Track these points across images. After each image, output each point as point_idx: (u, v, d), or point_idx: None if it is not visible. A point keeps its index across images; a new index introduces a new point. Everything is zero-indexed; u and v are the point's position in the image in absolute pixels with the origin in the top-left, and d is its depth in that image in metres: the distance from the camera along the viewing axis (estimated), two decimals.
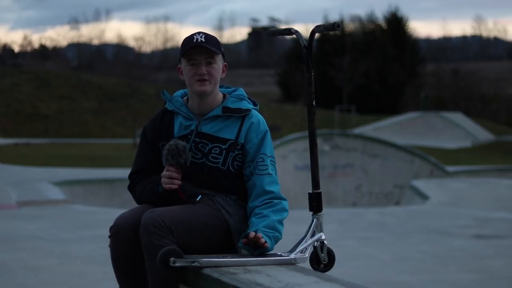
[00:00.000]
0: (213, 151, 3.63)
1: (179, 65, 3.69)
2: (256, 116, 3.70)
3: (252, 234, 3.44)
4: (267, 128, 3.70)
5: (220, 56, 3.66)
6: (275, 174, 3.66)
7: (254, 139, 3.64)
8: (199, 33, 3.65)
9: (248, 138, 3.64)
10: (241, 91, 3.77)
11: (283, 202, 3.61)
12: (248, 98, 3.77)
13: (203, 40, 3.60)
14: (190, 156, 3.57)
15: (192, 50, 3.60)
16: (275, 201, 3.59)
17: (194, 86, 3.63)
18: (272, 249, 3.51)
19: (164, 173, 3.57)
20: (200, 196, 3.60)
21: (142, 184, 3.72)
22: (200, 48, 3.59)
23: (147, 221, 3.38)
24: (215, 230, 3.54)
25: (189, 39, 3.63)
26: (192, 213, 3.49)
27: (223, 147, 3.63)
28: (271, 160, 3.65)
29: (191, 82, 3.63)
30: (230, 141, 3.63)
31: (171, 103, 3.73)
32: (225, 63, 3.72)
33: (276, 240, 3.54)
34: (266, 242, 3.45)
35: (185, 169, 3.58)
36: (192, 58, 3.61)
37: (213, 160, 3.63)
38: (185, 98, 3.75)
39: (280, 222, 3.57)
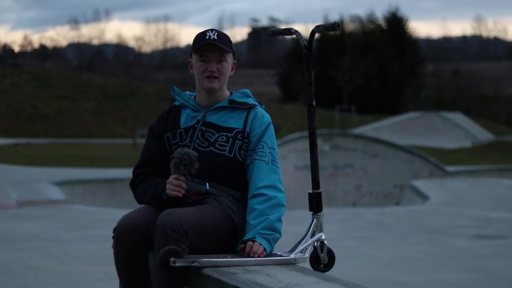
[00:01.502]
0: (219, 139, 3.66)
1: (190, 59, 3.74)
2: (261, 110, 3.76)
3: (248, 248, 3.44)
4: (271, 121, 3.74)
5: (230, 54, 3.71)
6: (275, 164, 3.64)
7: (257, 129, 3.68)
8: (212, 30, 3.70)
9: (252, 127, 3.68)
10: (248, 91, 3.83)
11: (279, 196, 3.58)
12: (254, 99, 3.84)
13: (216, 37, 3.66)
14: (198, 166, 3.56)
15: (204, 47, 3.65)
16: (270, 194, 3.56)
17: (203, 82, 3.69)
18: (272, 251, 3.51)
19: (173, 181, 3.55)
20: (207, 184, 3.60)
21: (144, 186, 3.72)
22: (212, 45, 3.64)
23: (166, 223, 3.37)
24: (223, 231, 3.55)
25: (201, 36, 3.68)
26: (205, 216, 3.50)
27: (230, 135, 3.66)
28: (270, 151, 3.65)
29: (200, 78, 3.69)
30: (237, 130, 3.66)
31: (180, 97, 3.78)
32: (235, 62, 3.77)
33: (275, 241, 3.54)
34: (264, 250, 3.45)
35: (192, 176, 3.57)
36: (204, 54, 3.67)
37: (220, 147, 3.65)
38: (193, 96, 3.82)
39: (278, 221, 3.55)
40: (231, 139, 3.65)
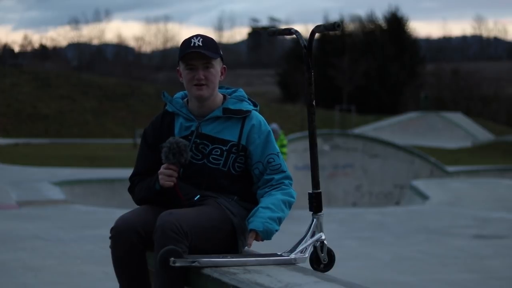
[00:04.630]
0: (213, 152, 3.63)
1: (178, 67, 3.69)
2: (257, 117, 3.70)
3: (249, 243, 3.50)
4: (269, 128, 3.71)
5: (218, 59, 3.65)
6: (287, 168, 3.70)
7: (257, 140, 3.64)
8: (197, 36, 3.64)
9: (251, 139, 3.64)
10: (241, 92, 3.77)
11: (292, 190, 3.66)
12: (249, 99, 3.77)
13: (201, 44, 3.59)
14: (190, 155, 3.56)
15: (189, 55, 3.60)
16: (283, 186, 3.63)
17: (192, 90, 3.64)
18: (273, 234, 3.55)
19: (164, 170, 3.55)
20: (198, 196, 3.59)
21: (140, 184, 3.73)
22: (197, 53, 3.59)
23: (165, 224, 3.36)
24: (222, 233, 3.54)
25: (187, 43, 3.63)
26: (205, 217, 3.50)
27: (224, 148, 3.63)
28: (280, 157, 3.69)
29: (189, 86, 3.64)
30: (232, 143, 3.64)
31: (171, 105, 3.73)
32: (224, 66, 3.71)
33: (279, 221, 3.56)
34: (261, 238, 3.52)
35: (184, 168, 3.57)
36: (190, 62, 3.61)
37: (214, 161, 3.63)
38: (186, 99, 3.76)
39: (286, 203, 3.59)
40: (225, 153, 3.62)
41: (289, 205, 3.62)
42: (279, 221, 3.56)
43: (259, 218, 3.51)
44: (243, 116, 3.66)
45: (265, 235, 3.52)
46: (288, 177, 3.67)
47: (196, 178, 3.62)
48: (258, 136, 3.65)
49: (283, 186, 3.62)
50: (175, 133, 3.68)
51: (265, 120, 3.72)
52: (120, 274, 3.59)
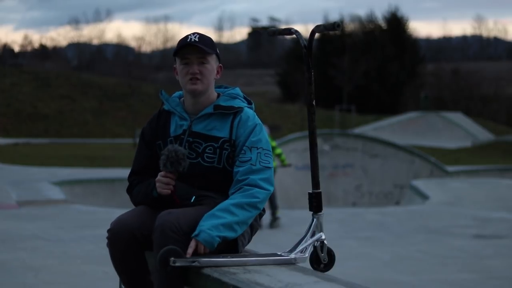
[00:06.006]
0: (207, 150, 3.64)
1: (174, 65, 3.71)
2: (246, 113, 3.67)
3: (189, 252, 3.36)
4: (257, 123, 3.65)
5: (213, 56, 3.66)
6: (262, 165, 3.57)
7: (243, 134, 3.64)
8: (194, 33, 3.67)
9: (238, 134, 3.64)
10: (237, 90, 3.78)
11: (258, 189, 3.52)
12: (244, 98, 3.77)
13: (197, 40, 3.62)
14: (188, 163, 3.55)
15: (185, 49, 3.62)
16: (246, 187, 3.52)
17: (186, 85, 3.65)
18: (217, 242, 3.41)
19: (161, 178, 3.55)
20: (194, 197, 3.59)
21: (138, 187, 3.73)
22: (192, 47, 3.61)
23: (165, 224, 3.37)
24: None
25: (183, 39, 3.67)
26: None
27: (216, 145, 3.63)
28: (258, 152, 3.59)
29: (183, 81, 3.66)
30: (223, 139, 3.64)
31: (167, 103, 3.76)
32: (220, 65, 3.72)
33: (227, 226, 3.43)
34: (204, 248, 3.38)
35: (182, 175, 3.57)
36: (185, 57, 3.63)
37: (208, 159, 3.63)
38: (182, 99, 3.78)
39: (241, 206, 3.48)
40: (218, 150, 3.62)
41: (250, 206, 3.50)
42: (226, 226, 3.43)
43: (199, 227, 3.42)
44: (234, 111, 3.66)
45: (207, 244, 3.39)
46: (256, 171, 3.55)
47: (193, 178, 3.62)
48: (244, 130, 3.63)
49: (245, 187, 3.52)
50: (171, 132, 3.70)
51: (255, 116, 3.69)
52: (119, 273, 3.64)
